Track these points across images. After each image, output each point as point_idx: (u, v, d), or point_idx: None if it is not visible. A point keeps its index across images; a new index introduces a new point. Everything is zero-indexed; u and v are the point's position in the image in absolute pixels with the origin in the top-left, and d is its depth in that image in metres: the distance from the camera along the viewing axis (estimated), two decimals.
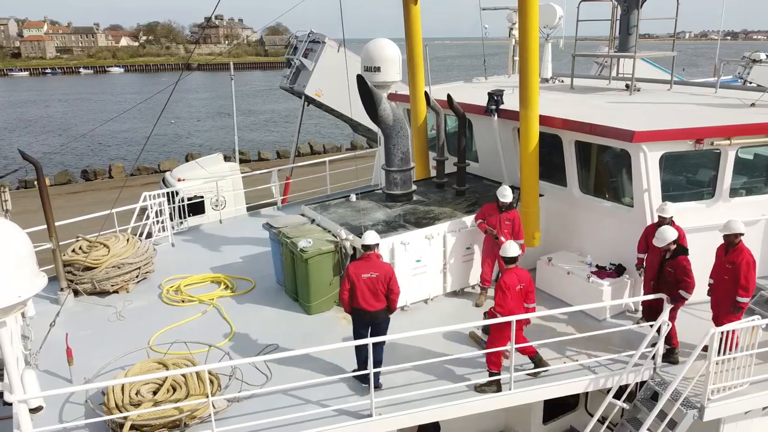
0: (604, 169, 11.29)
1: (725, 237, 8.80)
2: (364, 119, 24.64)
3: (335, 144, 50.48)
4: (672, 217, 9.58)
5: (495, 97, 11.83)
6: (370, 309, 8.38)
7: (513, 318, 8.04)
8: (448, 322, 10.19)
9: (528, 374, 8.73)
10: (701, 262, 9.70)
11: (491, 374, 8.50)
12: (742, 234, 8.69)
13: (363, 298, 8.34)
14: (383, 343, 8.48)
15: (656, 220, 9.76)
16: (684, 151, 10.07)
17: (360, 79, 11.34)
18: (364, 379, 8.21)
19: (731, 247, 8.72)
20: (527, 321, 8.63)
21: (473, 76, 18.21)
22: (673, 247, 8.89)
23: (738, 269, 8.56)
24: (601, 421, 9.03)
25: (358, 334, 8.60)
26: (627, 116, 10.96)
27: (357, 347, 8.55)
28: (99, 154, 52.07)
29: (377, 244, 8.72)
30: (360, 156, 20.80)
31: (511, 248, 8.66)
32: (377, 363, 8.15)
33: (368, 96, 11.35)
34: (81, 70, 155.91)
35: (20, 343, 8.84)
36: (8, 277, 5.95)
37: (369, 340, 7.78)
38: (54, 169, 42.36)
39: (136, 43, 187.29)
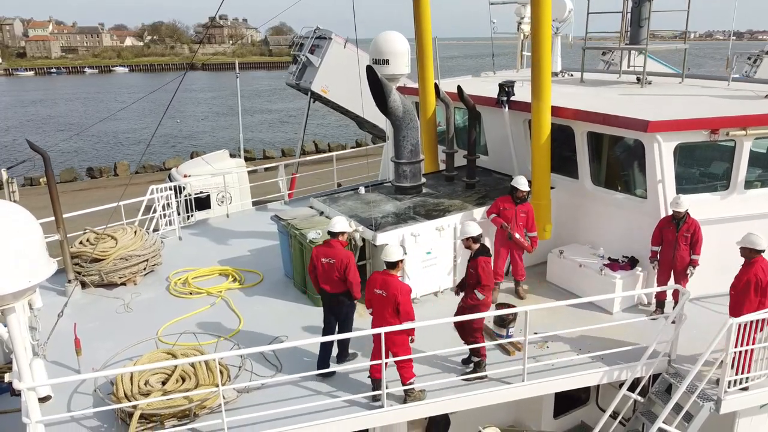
0: (617, 160, 11.17)
1: (741, 250, 8.23)
2: (371, 115, 24.62)
3: (340, 143, 50.42)
4: (687, 210, 9.46)
5: (506, 88, 11.73)
6: (329, 290, 8.70)
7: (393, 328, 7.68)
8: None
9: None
10: (716, 255, 9.63)
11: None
12: (761, 251, 8.07)
13: (322, 280, 8.72)
14: (347, 328, 8.77)
15: (670, 212, 9.66)
16: (699, 142, 9.94)
17: (370, 70, 11.24)
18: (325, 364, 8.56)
19: (746, 261, 8.20)
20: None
21: (481, 71, 18.09)
22: (476, 246, 8.58)
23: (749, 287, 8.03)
24: (613, 416, 8.92)
25: (326, 319, 8.88)
26: (640, 107, 10.85)
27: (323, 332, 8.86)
28: (105, 152, 52.20)
29: (343, 233, 8.75)
30: (367, 155, 20.67)
31: (391, 253, 8.03)
32: (342, 346, 8.78)
33: (378, 87, 11.24)
34: (86, 69, 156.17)
35: (28, 334, 8.77)
36: (19, 262, 5.87)
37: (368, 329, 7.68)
38: (59, 167, 42.46)
39: (141, 43, 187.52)
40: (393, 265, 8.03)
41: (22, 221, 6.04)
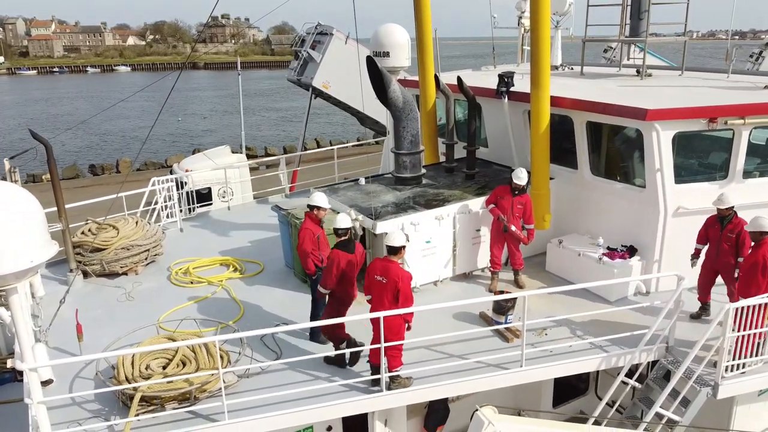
0: (616, 150, 11.21)
1: (750, 234, 8.28)
2: (372, 111, 24.65)
3: (341, 140, 50.45)
4: (733, 207, 9.03)
5: (506, 78, 11.76)
6: None
7: (381, 314, 7.61)
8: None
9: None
10: None
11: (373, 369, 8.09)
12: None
13: None
14: (314, 307, 9.18)
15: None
16: (697, 131, 9.98)
17: (370, 60, 11.29)
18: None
19: (754, 243, 8.22)
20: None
21: (482, 65, 18.13)
22: (339, 239, 8.51)
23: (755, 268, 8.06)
24: (611, 405, 8.95)
25: None
26: (639, 97, 10.88)
27: None
28: (108, 150, 52.32)
29: (317, 207, 9.16)
30: (368, 152, 20.76)
31: (395, 237, 8.02)
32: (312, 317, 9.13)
33: (378, 78, 11.29)
34: (88, 68, 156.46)
35: (30, 321, 8.84)
36: (21, 242, 5.93)
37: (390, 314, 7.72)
38: (62, 164, 42.55)
39: (143, 42, 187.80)
40: (395, 251, 8.03)
41: (23, 202, 6.10)
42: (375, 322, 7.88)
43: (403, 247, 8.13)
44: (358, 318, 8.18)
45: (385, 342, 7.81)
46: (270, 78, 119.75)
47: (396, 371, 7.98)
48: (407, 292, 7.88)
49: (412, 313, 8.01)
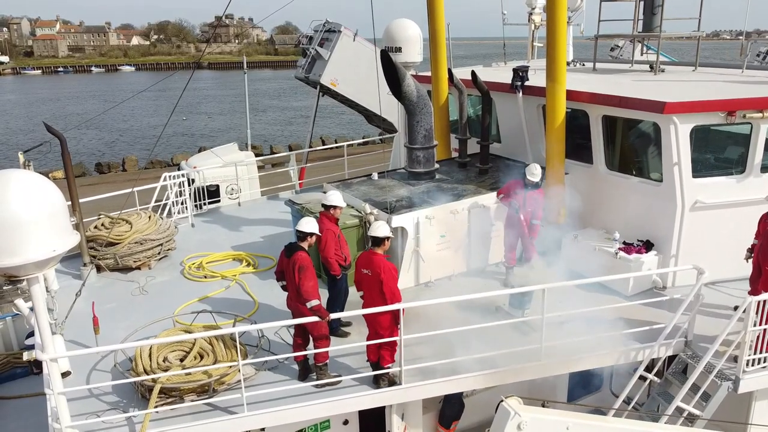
0: (632, 144, 11.15)
1: None
2: (380, 109, 24.55)
3: (348, 140, 50.35)
4: None
5: (520, 72, 11.71)
6: None
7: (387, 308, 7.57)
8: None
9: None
10: (731, 239, 9.61)
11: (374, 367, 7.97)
12: None
13: None
14: (330, 305, 9.07)
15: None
16: (715, 125, 9.91)
17: (384, 55, 11.25)
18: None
19: None
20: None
21: (492, 62, 18.07)
22: (304, 242, 8.13)
23: None
24: (626, 402, 8.89)
25: None
26: (656, 90, 10.82)
27: None
28: (114, 149, 52.41)
29: (333, 206, 9.10)
30: (384, 148, 20.68)
31: (378, 228, 7.98)
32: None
33: (392, 72, 11.25)
34: (92, 68, 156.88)
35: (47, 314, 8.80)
36: (44, 230, 5.88)
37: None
38: None
39: (147, 42, 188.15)
40: (378, 242, 7.94)
41: (45, 190, 6.06)
42: (366, 317, 7.85)
43: (387, 238, 8.05)
44: (345, 315, 8.36)
45: (377, 338, 7.73)
46: (274, 78, 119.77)
47: (387, 368, 7.86)
48: (390, 285, 7.67)
49: (398, 311, 7.71)
